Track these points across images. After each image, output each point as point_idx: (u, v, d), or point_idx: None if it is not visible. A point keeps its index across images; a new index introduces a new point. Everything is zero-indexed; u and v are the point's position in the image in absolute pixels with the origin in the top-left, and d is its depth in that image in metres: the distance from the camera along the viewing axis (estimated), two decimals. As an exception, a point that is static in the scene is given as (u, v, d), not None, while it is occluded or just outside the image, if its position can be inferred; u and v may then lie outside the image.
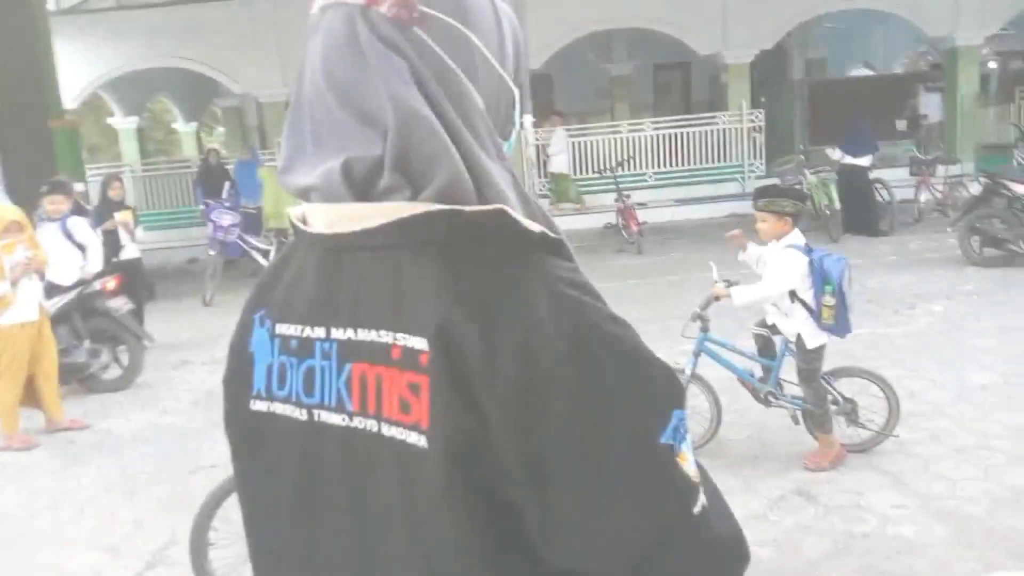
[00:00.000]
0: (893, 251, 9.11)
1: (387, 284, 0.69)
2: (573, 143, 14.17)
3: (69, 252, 6.02)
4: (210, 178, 11.93)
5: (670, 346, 6.00)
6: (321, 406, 0.74)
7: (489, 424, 0.64)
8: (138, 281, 7.55)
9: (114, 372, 6.30)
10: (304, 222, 0.76)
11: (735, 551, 0.73)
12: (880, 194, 10.26)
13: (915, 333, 5.89)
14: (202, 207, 11.49)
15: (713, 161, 14.15)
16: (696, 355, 3.96)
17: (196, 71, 14.93)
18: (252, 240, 10.61)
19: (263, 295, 0.82)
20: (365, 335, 0.70)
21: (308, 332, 0.75)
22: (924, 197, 10.82)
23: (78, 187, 10.41)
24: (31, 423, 5.39)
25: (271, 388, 0.79)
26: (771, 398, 4.00)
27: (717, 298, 3.85)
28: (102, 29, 14.14)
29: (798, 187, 11.29)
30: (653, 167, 14.10)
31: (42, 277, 5.43)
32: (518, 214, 0.68)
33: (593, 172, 13.39)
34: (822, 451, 3.84)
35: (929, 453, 3.89)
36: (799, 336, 3.77)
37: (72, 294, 5.99)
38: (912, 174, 11.01)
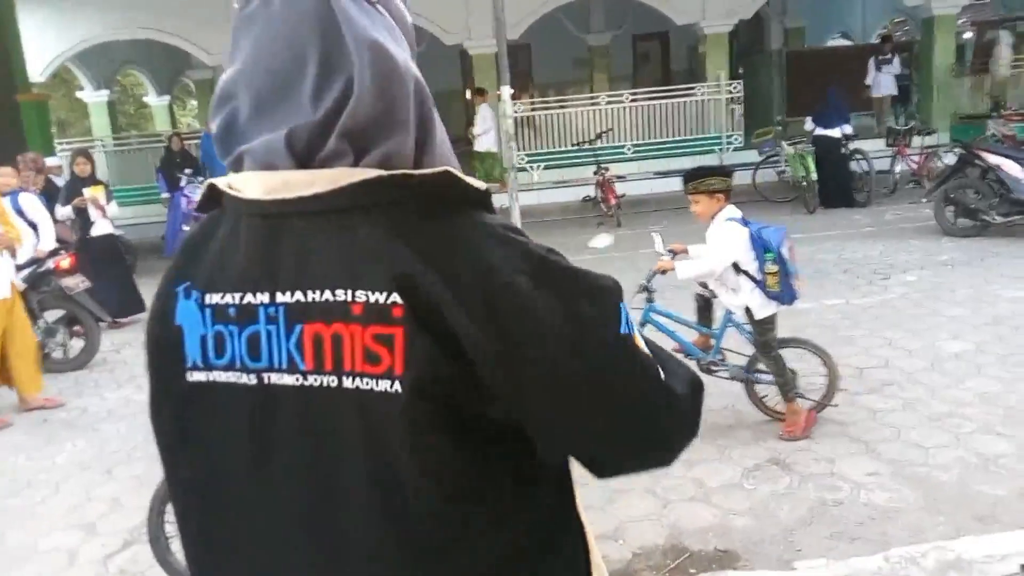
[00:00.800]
0: (870, 222, 9.18)
1: (337, 245, 0.73)
2: (552, 115, 14.10)
3: (21, 229, 5.91)
4: (172, 165, 10.96)
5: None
6: (271, 369, 0.76)
7: (472, 359, 0.70)
8: (115, 257, 7.44)
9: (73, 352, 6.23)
10: (231, 189, 0.77)
11: (696, 388, 0.86)
12: (860, 165, 10.31)
13: (890, 303, 5.95)
14: (165, 196, 11.07)
15: (692, 133, 14.12)
16: (642, 325, 3.99)
17: (168, 43, 14.60)
18: None
19: (184, 268, 0.82)
20: (316, 296, 0.73)
21: (249, 299, 0.76)
22: (900, 168, 10.89)
23: (53, 161, 10.23)
24: (3, 402, 5.33)
25: (208, 358, 0.79)
26: (712, 367, 4.07)
27: (663, 272, 3.89)
28: (69, 0, 13.76)
29: (774, 157, 11.37)
30: (632, 139, 14.05)
31: (13, 254, 5.33)
32: (460, 173, 0.75)
33: (572, 144, 13.34)
34: (791, 420, 3.88)
35: (902, 421, 3.94)
36: (748, 309, 3.80)
37: (24, 272, 5.87)
38: (888, 145, 11.07)
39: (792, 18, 18.23)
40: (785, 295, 3.74)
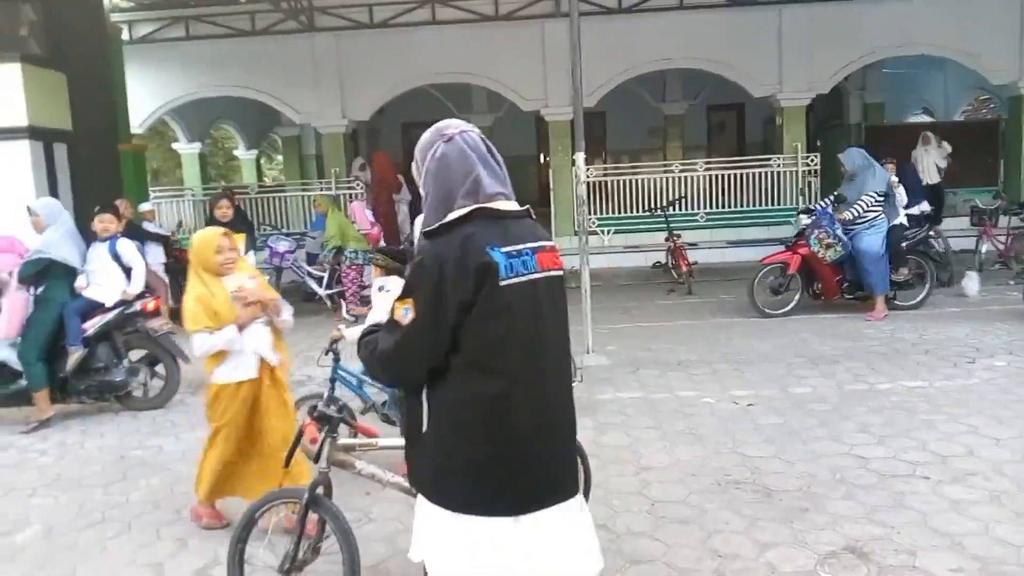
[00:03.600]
0: (954, 303, 8.86)
1: (529, 226, 2.04)
2: (625, 180, 14.19)
3: (115, 273, 6.22)
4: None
5: (720, 390, 5.96)
6: (531, 272, 1.97)
7: None
8: None
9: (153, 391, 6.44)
10: (495, 206, 1.99)
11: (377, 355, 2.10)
12: (936, 244, 9.95)
13: (974, 388, 5.70)
14: None
15: (766, 204, 14.01)
16: (332, 381, 4.50)
17: (259, 101, 15.37)
18: (307, 267, 10.89)
19: (484, 240, 1.91)
20: (536, 244, 2.00)
21: (520, 247, 1.96)
22: (985, 248, 10.53)
23: (146, 206, 10.80)
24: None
25: (510, 273, 1.92)
26: (392, 417, 4.67)
27: (335, 340, 4.38)
28: (171, 58, 14.66)
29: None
30: (705, 207, 14.01)
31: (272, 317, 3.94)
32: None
33: (643, 210, 13.37)
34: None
35: (989, 515, 3.73)
36: None
37: (113, 314, 6.16)
38: (973, 224, 10.74)
39: (871, 93, 18.08)
40: None
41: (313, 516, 2.93)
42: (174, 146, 18.91)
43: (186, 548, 3.86)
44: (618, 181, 14.34)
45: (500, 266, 1.88)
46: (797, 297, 8.56)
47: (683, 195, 13.45)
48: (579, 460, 2.28)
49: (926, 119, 19.78)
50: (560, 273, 2.05)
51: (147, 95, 14.56)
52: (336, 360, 4.53)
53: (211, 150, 22.55)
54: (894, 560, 3.38)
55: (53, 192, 8.82)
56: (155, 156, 22.55)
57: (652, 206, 12.72)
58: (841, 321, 8.16)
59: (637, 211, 13.84)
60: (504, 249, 1.90)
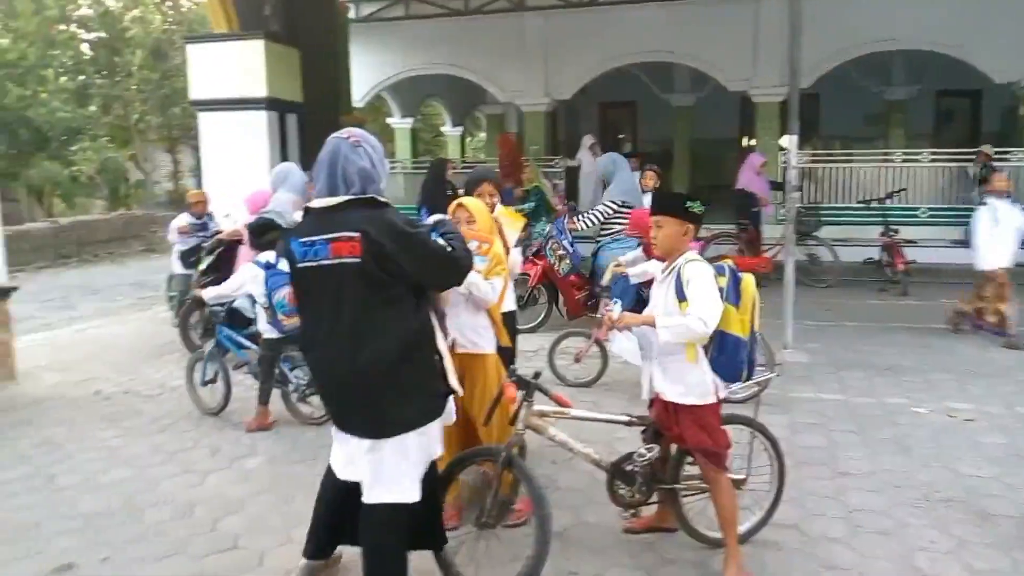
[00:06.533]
0: None
1: (338, 219, 2.64)
2: (837, 168, 13.30)
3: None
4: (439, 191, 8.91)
5: (934, 401, 5.48)
6: (323, 258, 2.64)
7: (385, 254, 2.58)
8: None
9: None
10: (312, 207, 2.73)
11: (463, 259, 2.82)
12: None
13: None
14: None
15: (1001, 201, 12.55)
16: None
17: (467, 79, 15.96)
18: None
19: (295, 233, 2.75)
20: (333, 235, 2.62)
21: (314, 238, 2.65)
22: None
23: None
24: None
25: (305, 258, 2.67)
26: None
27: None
28: (391, 36, 15.58)
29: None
30: (928, 202, 12.82)
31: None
32: (384, 199, 2.71)
33: (856, 201, 12.48)
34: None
35: None
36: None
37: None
38: None
39: None
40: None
41: (507, 475, 3.04)
42: (388, 120, 20.08)
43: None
44: (829, 169, 13.48)
45: (296, 252, 2.72)
46: (544, 312, 7.86)
47: (904, 187, 12.38)
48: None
49: None
50: (353, 261, 2.59)
51: (368, 71, 15.57)
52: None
53: (420, 125, 23.72)
54: None
55: (284, 159, 9.69)
56: (368, 129, 24.02)
57: (867, 197, 11.82)
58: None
59: (847, 201, 12.94)
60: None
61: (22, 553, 3.59)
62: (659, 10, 13.96)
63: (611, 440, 4.15)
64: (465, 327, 3.54)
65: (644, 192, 7.79)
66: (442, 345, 2.79)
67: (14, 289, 7.02)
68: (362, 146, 2.70)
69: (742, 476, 3.39)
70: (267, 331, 5.19)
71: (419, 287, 2.71)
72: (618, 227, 7.09)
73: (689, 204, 3.12)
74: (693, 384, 3.11)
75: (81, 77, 22.72)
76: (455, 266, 2.78)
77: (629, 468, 3.24)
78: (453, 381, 2.79)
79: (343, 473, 2.84)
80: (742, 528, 3.45)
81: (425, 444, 2.73)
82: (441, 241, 2.75)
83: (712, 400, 3.14)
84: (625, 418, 3.34)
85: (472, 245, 3.24)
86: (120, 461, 4.74)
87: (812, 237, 10.54)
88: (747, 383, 3.28)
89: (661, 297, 3.17)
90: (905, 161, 13.03)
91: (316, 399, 4.93)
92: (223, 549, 3.60)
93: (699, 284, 2.99)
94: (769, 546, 3.50)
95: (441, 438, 2.85)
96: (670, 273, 3.13)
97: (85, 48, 24.11)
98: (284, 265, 4.01)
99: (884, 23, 12.90)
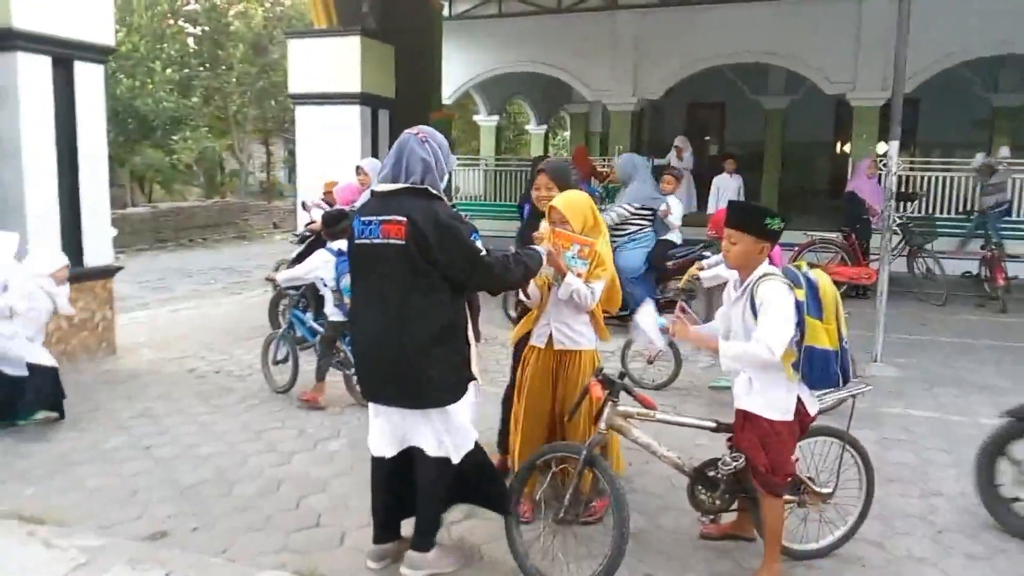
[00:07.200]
0: None
1: (394, 204, 2.97)
2: (936, 177, 12.73)
3: None
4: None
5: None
6: (375, 237, 2.97)
7: (428, 243, 2.88)
8: None
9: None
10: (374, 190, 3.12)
11: (522, 269, 3.17)
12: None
13: None
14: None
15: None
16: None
17: (553, 77, 15.97)
18: None
19: (360, 211, 3.11)
20: (386, 216, 2.94)
21: (371, 218, 2.99)
22: None
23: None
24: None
25: (362, 235, 3.02)
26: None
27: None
28: (482, 34, 15.73)
29: None
30: (1033, 215, 12.14)
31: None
32: (438, 191, 3.02)
33: (957, 212, 11.92)
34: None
35: None
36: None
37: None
38: None
39: None
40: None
41: (588, 474, 3.04)
42: (475, 118, 20.28)
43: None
44: (927, 177, 12.92)
45: (356, 228, 3.05)
46: None
47: (1010, 199, 11.75)
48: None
49: None
50: (398, 243, 2.90)
51: (459, 68, 15.77)
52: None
53: (505, 123, 23.88)
54: None
55: (375, 153, 9.92)
56: (455, 126, 24.34)
57: (968, 208, 11.27)
58: None
59: (947, 212, 12.37)
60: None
61: (122, 518, 3.80)
62: (757, 9, 13.65)
63: (689, 447, 4.09)
64: (565, 325, 3.56)
65: (664, 195, 7.68)
66: (471, 336, 3.12)
67: (119, 269, 7.41)
68: (428, 142, 3.02)
69: (829, 489, 3.30)
70: (333, 314, 5.49)
71: (454, 282, 2.97)
72: (634, 228, 7.29)
73: (768, 221, 2.98)
74: (773, 399, 3.01)
75: (185, 70, 23.75)
76: (486, 271, 2.99)
77: (712, 474, 3.19)
78: (476, 369, 3.12)
79: (380, 450, 3.17)
80: (824, 541, 3.39)
81: (463, 409, 3.07)
82: (479, 244, 2.96)
83: (788, 418, 3.01)
84: (711, 423, 3.28)
85: (573, 250, 3.29)
86: (212, 436, 4.95)
87: (923, 250, 10.08)
88: (838, 390, 3.19)
89: (738, 317, 3.05)
90: (1013, 171, 12.36)
91: None
92: (307, 527, 3.72)
93: (771, 306, 2.88)
94: (852, 562, 3.40)
95: (474, 419, 3.18)
96: (744, 293, 3.03)
97: (190, 42, 25.22)
98: None
99: (996, 25, 12.27)
